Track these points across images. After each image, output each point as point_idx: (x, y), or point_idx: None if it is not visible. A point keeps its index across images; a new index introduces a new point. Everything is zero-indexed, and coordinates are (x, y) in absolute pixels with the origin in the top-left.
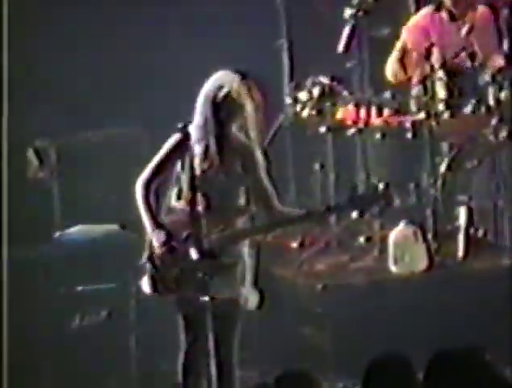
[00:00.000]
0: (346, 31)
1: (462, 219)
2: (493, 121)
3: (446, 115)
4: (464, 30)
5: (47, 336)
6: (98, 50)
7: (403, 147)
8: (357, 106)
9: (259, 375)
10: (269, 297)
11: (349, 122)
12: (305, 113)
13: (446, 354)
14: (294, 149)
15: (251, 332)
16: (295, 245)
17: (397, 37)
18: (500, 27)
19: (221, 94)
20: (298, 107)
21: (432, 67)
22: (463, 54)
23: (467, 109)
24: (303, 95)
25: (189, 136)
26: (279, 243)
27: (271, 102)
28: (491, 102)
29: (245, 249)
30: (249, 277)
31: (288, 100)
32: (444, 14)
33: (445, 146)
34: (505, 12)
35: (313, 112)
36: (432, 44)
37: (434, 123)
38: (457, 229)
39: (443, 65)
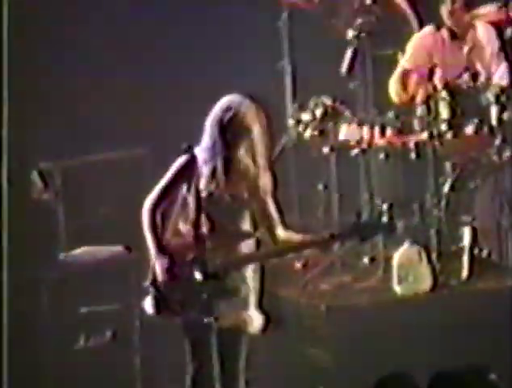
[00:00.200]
0: (349, 52)
1: (466, 239)
2: (497, 141)
3: (449, 135)
4: (466, 49)
5: (51, 358)
6: (101, 74)
7: (406, 167)
8: (360, 126)
9: None
10: (273, 318)
11: (352, 142)
12: (308, 134)
13: (449, 374)
14: (297, 169)
15: (255, 353)
16: (299, 265)
17: (400, 57)
18: (503, 46)
19: (227, 116)
20: (301, 128)
21: (435, 87)
22: (465, 74)
23: (470, 129)
24: (306, 116)
25: (195, 158)
26: (283, 264)
27: (274, 123)
28: (494, 122)
29: (249, 272)
30: (252, 300)
31: (291, 121)
32: (445, 33)
33: (448, 166)
34: (508, 31)
35: (316, 133)
36: (435, 65)
37: (437, 143)
38: (461, 249)
39: (446, 85)
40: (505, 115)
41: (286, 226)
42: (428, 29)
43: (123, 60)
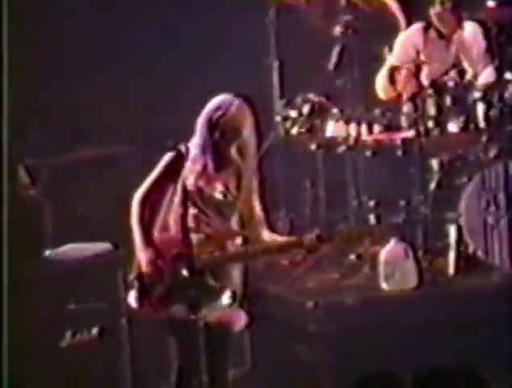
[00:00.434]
0: (336, 48)
1: (452, 236)
2: (483, 138)
3: (435, 132)
4: (454, 47)
5: (37, 355)
6: (87, 72)
7: (393, 164)
8: (347, 123)
9: None
10: (260, 315)
11: (339, 139)
12: (295, 131)
13: (436, 371)
14: (284, 166)
15: (242, 350)
16: (285, 262)
17: (388, 54)
18: (489, 44)
19: (216, 116)
20: (288, 125)
21: (422, 84)
22: (452, 71)
23: (457, 126)
24: (293, 113)
25: (183, 154)
26: (270, 261)
27: (262, 120)
28: (480, 119)
29: (234, 270)
30: (236, 298)
31: (278, 118)
32: (433, 32)
33: (435, 163)
34: (494, 29)
35: (303, 130)
36: (422, 62)
37: (424, 140)
38: (447, 246)
39: (433, 83)
40: (492, 113)
41: (271, 228)
42: (416, 26)
43: (109, 58)
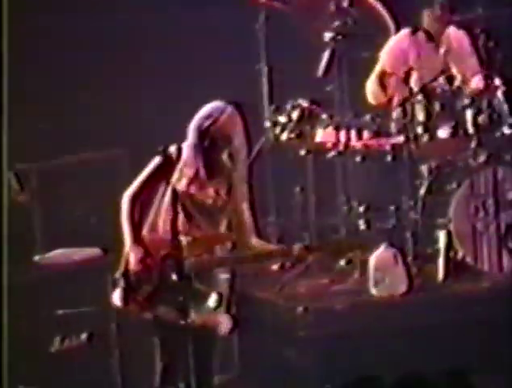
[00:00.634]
0: (326, 54)
1: (441, 242)
2: (472, 144)
3: (425, 138)
4: (442, 51)
5: (26, 360)
6: (75, 76)
7: (383, 170)
8: (337, 129)
9: None
10: (249, 320)
11: (329, 145)
12: (285, 136)
13: (424, 376)
14: (273, 172)
15: (231, 355)
16: (275, 267)
17: (377, 60)
18: (477, 50)
19: (206, 123)
20: (277, 131)
21: (411, 90)
22: (441, 77)
23: (446, 132)
24: (282, 118)
25: (172, 158)
26: (259, 266)
27: (251, 126)
28: (469, 125)
29: (221, 274)
30: (223, 303)
31: (268, 124)
32: (421, 35)
33: (424, 169)
34: (482, 36)
35: (293, 135)
36: (411, 68)
37: (413, 146)
38: (437, 251)
39: (422, 88)
40: (481, 119)
41: (260, 234)
42: (405, 32)
43: (98, 62)
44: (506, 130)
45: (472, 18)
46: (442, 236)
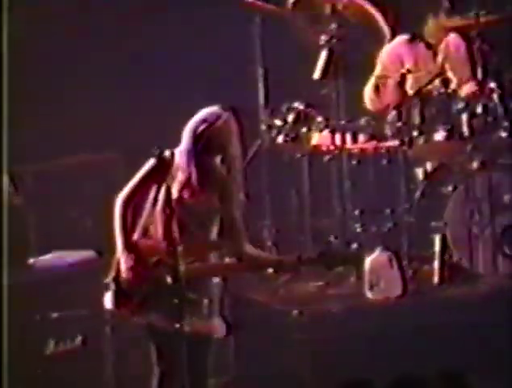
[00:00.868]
0: (322, 57)
1: (437, 245)
2: (468, 148)
3: (420, 141)
4: (440, 57)
5: (21, 363)
6: (74, 77)
7: (378, 173)
8: (332, 132)
9: None
10: (244, 323)
11: (324, 148)
12: (280, 139)
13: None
14: (269, 174)
15: (227, 358)
16: (270, 270)
17: (373, 64)
18: (473, 54)
19: (201, 128)
20: (273, 133)
21: (406, 94)
22: (436, 81)
23: (441, 136)
24: (278, 121)
25: (166, 161)
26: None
27: (247, 129)
28: (465, 128)
29: (213, 281)
30: (216, 307)
31: (263, 126)
32: (420, 43)
33: (420, 172)
34: (477, 40)
35: (288, 138)
36: (407, 71)
37: (408, 149)
38: (432, 255)
39: (418, 92)
40: (476, 122)
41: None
42: (402, 37)
43: (97, 67)
44: (502, 133)
45: (468, 22)
46: (437, 239)
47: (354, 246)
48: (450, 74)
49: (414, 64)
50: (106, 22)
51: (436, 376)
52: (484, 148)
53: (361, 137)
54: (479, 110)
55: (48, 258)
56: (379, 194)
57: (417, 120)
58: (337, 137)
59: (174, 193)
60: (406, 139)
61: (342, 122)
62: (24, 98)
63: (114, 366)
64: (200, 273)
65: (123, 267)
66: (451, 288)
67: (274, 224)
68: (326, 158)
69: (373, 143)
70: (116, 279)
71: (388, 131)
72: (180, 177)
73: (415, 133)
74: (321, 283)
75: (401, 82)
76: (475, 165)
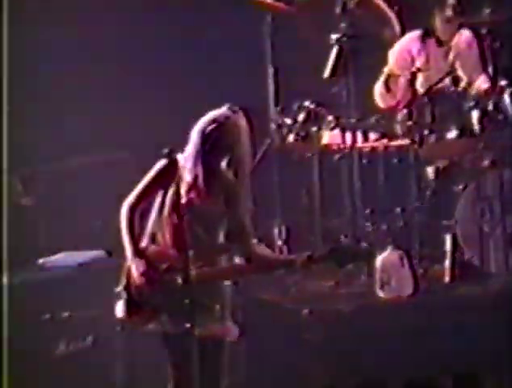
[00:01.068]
0: (332, 56)
1: (448, 244)
2: (479, 146)
3: (431, 139)
4: (451, 55)
5: (32, 363)
6: (86, 77)
7: (389, 172)
8: (343, 131)
9: None
10: (255, 323)
11: (335, 147)
12: (291, 138)
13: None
14: (280, 173)
15: (238, 358)
16: (281, 271)
17: (384, 62)
18: (484, 52)
19: (210, 128)
20: (284, 132)
21: (417, 92)
22: (447, 79)
23: (452, 134)
24: (288, 120)
25: (176, 162)
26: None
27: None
28: (475, 127)
29: (223, 285)
30: (227, 311)
31: (274, 125)
32: (431, 40)
33: (430, 171)
34: (488, 37)
35: (299, 137)
36: (418, 69)
37: (419, 147)
38: (443, 254)
39: (428, 90)
40: (486, 120)
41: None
42: (412, 34)
43: (109, 68)
44: None
45: (479, 20)
46: (448, 238)
47: (365, 245)
48: (460, 72)
49: (425, 61)
50: (111, 21)
51: (448, 374)
52: (495, 146)
53: (372, 136)
54: (490, 108)
55: (58, 258)
56: (390, 193)
57: (427, 118)
58: (348, 135)
59: (182, 195)
60: (417, 137)
61: (353, 121)
62: (36, 98)
63: (124, 366)
64: (210, 277)
65: (134, 273)
66: (462, 286)
67: (284, 223)
68: (337, 156)
69: (384, 142)
70: (127, 287)
71: (398, 129)
72: (187, 178)
73: (426, 132)
74: (331, 282)
75: (412, 81)
76: (486, 163)
